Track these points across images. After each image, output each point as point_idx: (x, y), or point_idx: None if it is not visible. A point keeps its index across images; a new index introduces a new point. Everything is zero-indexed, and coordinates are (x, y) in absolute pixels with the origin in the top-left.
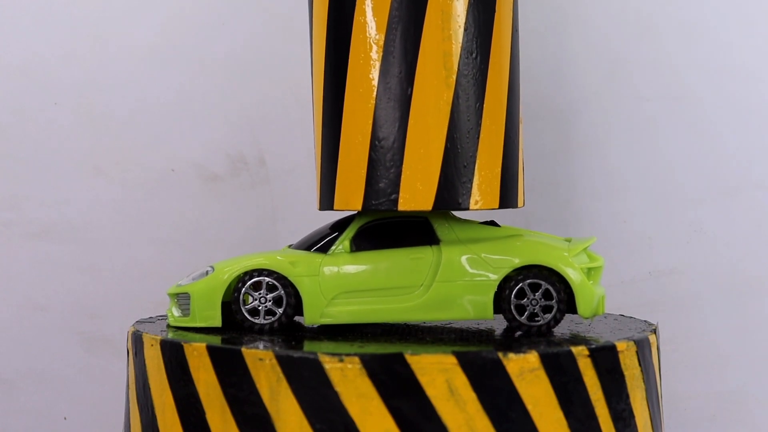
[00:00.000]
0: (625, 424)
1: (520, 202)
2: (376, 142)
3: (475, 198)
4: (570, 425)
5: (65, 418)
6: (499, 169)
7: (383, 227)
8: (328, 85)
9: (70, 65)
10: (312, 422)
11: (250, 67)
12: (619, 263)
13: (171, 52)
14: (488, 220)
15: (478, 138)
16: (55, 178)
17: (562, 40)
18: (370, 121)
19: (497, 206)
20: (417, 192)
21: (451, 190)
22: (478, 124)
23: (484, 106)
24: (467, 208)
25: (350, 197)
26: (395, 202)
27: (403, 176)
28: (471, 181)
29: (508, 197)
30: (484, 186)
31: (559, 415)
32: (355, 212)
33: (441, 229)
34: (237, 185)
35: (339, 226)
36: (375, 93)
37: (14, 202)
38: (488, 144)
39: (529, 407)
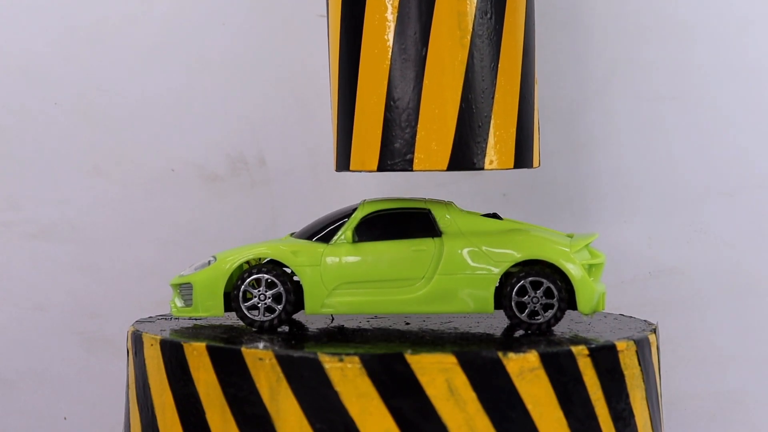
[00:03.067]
0: (625, 423)
1: (535, 163)
2: (391, 103)
3: (490, 158)
4: (570, 425)
5: (65, 418)
6: (514, 130)
7: (386, 218)
8: (343, 47)
9: (70, 65)
10: (312, 422)
11: (250, 67)
12: (619, 263)
13: (171, 52)
14: (490, 212)
15: (492, 98)
16: (55, 178)
17: (563, 40)
18: (385, 82)
19: (512, 166)
20: (432, 152)
21: (466, 150)
22: (493, 85)
23: (499, 66)
24: (482, 168)
25: (366, 158)
26: (410, 162)
27: (418, 137)
28: (486, 141)
29: (523, 157)
30: (498, 146)
31: (559, 414)
32: (358, 203)
33: (443, 221)
34: (237, 185)
35: (341, 217)
36: (390, 54)
37: (14, 202)
38: (503, 104)
39: (529, 407)
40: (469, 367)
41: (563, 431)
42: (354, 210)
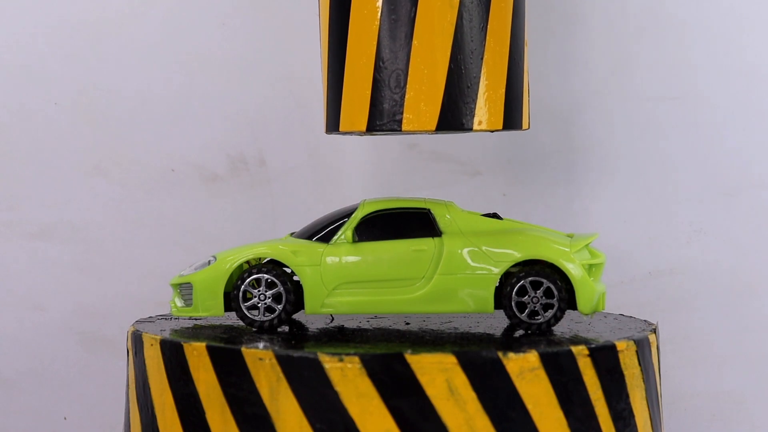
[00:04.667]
0: (625, 423)
1: (524, 124)
2: (380, 64)
3: (479, 118)
4: (570, 425)
5: (65, 418)
6: (503, 91)
7: (386, 218)
8: (333, 8)
9: (70, 65)
10: (312, 422)
11: (250, 67)
12: (619, 263)
13: (171, 51)
14: (490, 212)
15: (482, 59)
16: (55, 178)
17: (563, 40)
18: (375, 43)
19: (501, 127)
20: (421, 113)
21: (455, 111)
22: (482, 46)
23: (488, 27)
24: (471, 129)
25: (355, 119)
26: (399, 122)
27: (407, 97)
28: (475, 102)
29: (512, 119)
30: (487, 107)
31: (559, 414)
32: (358, 203)
33: (443, 221)
34: (237, 185)
35: (341, 216)
36: (379, 14)
37: (14, 202)
38: (492, 66)
39: (529, 407)
40: (469, 367)
41: (563, 431)
42: (354, 210)
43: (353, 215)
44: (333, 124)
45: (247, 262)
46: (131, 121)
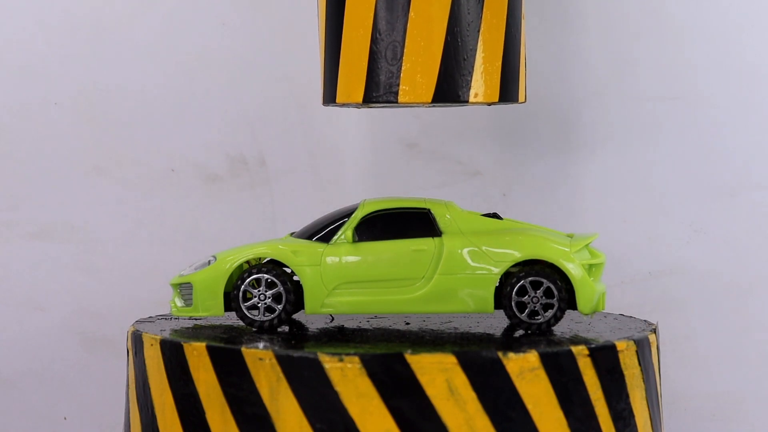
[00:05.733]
0: (625, 423)
1: (521, 97)
2: (377, 35)
3: (475, 91)
4: (570, 425)
5: (65, 418)
6: (500, 63)
7: (386, 218)
8: None
9: (70, 65)
10: (312, 422)
11: (250, 67)
12: (619, 263)
13: (171, 51)
14: (490, 212)
15: (478, 32)
16: (55, 178)
17: (563, 40)
18: (371, 14)
19: (497, 100)
20: (417, 84)
21: (451, 83)
22: (479, 18)
23: None
24: (466, 101)
25: (352, 90)
26: (396, 94)
27: (403, 68)
28: (471, 74)
29: (508, 91)
30: (484, 79)
31: (559, 414)
32: (358, 203)
33: (443, 221)
34: (237, 185)
35: (341, 216)
36: None
37: (14, 202)
38: (489, 38)
39: (529, 407)
40: (469, 367)
41: (563, 431)
42: (354, 210)
43: (353, 215)
44: (330, 96)
45: (247, 262)
46: (131, 121)
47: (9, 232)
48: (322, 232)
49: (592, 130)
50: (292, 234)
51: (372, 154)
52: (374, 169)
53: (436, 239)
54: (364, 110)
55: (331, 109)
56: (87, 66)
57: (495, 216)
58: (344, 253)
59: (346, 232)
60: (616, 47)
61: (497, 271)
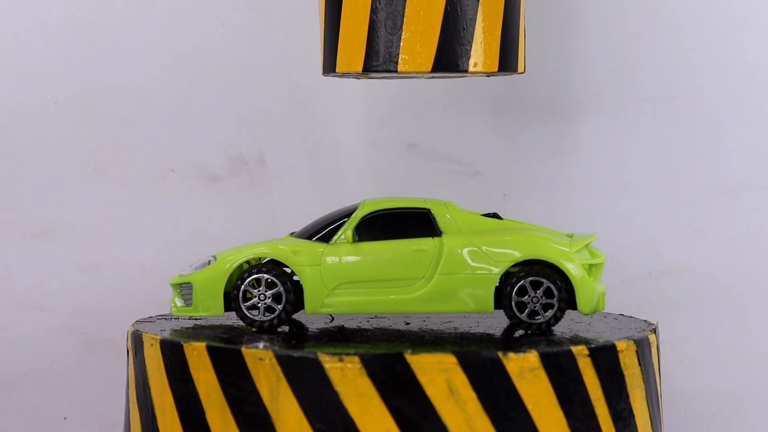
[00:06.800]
0: (625, 423)
1: (520, 67)
2: (377, 4)
3: (475, 60)
4: (570, 425)
5: (65, 418)
6: (499, 33)
7: (386, 218)
8: None
9: (70, 65)
10: (312, 422)
11: (250, 67)
12: (619, 263)
13: (171, 52)
14: (490, 212)
15: (478, 1)
16: (55, 178)
17: (562, 40)
18: None
19: (496, 69)
20: (416, 54)
21: (451, 52)
22: None
23: None
24: (466, 71)
25: (352, 59)
26: (395, 63)
27: (403, 38)
28: (470, 43)
29: (507, 61)
30: (483, 49)
31: (559, 414)
32: (358, 203)
33: (443, 221)
34: (237, 185)
35: (341, 216)
36: None
37: (14, 202)
38: (488, 8)
39: (529, 407)
40: (469, 367)
41: (563, 431)
42: (354, 210)
43: (353, 215)
44: (330, 66)
45: (247, 262)
46: (131, 121)
47: (9, 232)
48: (322, 232)
49: (592, 130)
50: (292, 234)
51: (372, 154)
52: (374, 169)
53: (436, 239)
54: (364, 110)
55: (331, 109)
56: (87, 66)
57: (495, 216)
58: (344, 253)
59: (346, 232)
60: (616, 47)
61: (497, 271)
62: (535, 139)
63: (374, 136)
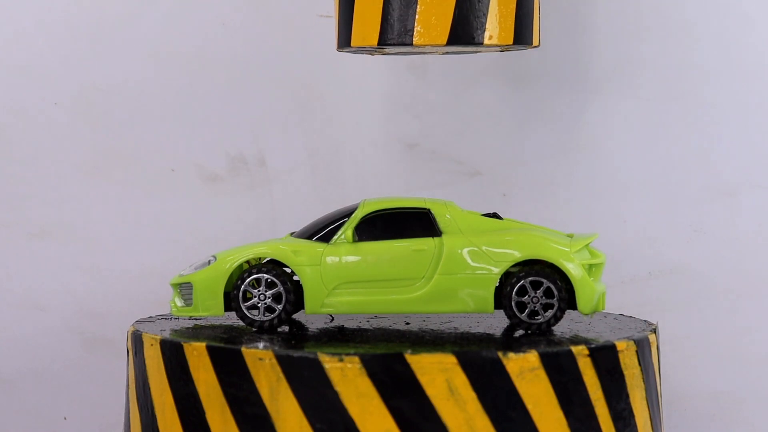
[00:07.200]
0: (625, 423)
1: (535, 41)
2: None
3: (490, 33)
4: (570, 425)
5: (65, 418)
6: (514, 6)
7: (386, 218)
8: None
9: (70, 65)
10: (312, 422)
11: (250, 67)
12: (619, 263)
13: (171, 52)
14: (490, 212)
15: None
16: (55, 178)
17: (562, 40)
18: None
19: (511, 42)
20: (432, 27)
21: (466, 25)
22: None
23: None
24: (481, 43)
25: (367, 34)
26: (411, 36)
27: (418, 11)
28: (485, 16)
29: (522, 34)
30: (498, 22)
31: (559, 414)
32: (358, 203)
33: (443, 221)
34: (237, 185)
35: (341, 216)
36: None
37: (14, 202)
38: None
39: (529, 407)
40: (469, 367)
41: (563, 431)
42: (354, 210)
43: (353, 215)
44: (345, 40)
45: (247, 262)
46: (131, 121)
47: (9, 232)
48: (322, 232)
49: (591, 130)
50: (292, 234)
51: (372, 154)
52: (374, 169)
53: (436, 239)
54: (364, 110)
55: (331, 109)
56: (87, 66)
57: (495, 216)
58: (344, 253)
59: (346, 232)
60: (617, 47)
61: (497, 271)
62: (535, 139)
63: (374, 136)
